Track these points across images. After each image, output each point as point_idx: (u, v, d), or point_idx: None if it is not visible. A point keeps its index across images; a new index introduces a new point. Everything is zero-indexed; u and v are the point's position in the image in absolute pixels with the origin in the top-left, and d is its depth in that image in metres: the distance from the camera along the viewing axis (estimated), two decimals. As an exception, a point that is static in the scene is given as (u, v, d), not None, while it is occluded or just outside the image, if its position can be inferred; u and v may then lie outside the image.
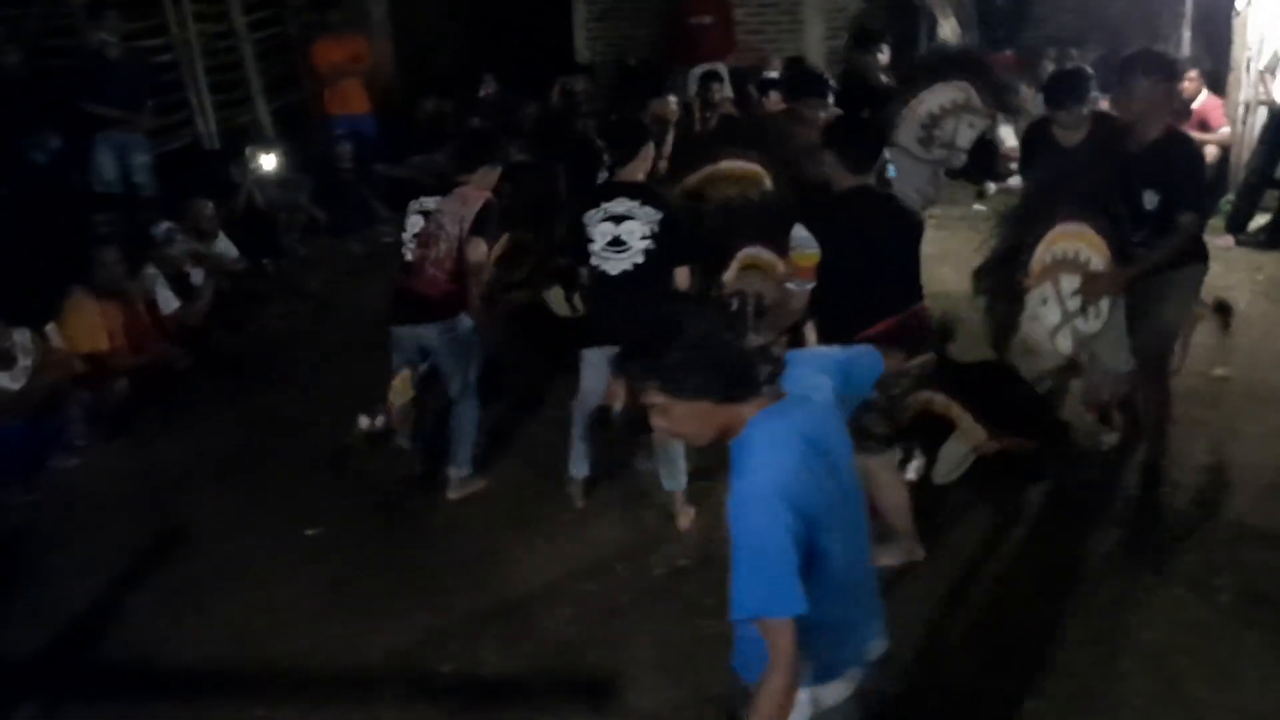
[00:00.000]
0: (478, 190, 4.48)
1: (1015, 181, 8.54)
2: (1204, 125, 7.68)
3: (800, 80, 5.79)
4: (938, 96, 5.08)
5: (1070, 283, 4.19)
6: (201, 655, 3.86)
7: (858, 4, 10.54)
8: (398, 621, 3.96)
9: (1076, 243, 4.14)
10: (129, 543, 4.55)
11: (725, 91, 9.56)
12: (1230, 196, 7.33)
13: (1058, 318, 4.24)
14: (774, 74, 9.96)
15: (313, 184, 8.22)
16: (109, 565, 4.38)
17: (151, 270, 6.21)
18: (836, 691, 2.19)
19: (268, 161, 8.03)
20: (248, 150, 8.06)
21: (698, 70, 9.33)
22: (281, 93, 9.56)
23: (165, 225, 6.58)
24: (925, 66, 5.52)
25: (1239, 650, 3.56)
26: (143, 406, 5.69)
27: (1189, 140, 4.27)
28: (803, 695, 2.05)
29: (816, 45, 10.48)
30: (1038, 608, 3.81)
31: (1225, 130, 7.65)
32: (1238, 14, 7.52)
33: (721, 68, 9.72)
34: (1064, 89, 4.61)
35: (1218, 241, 7.14)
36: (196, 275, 6.51)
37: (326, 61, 8.85)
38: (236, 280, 6.91)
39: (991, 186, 8.61)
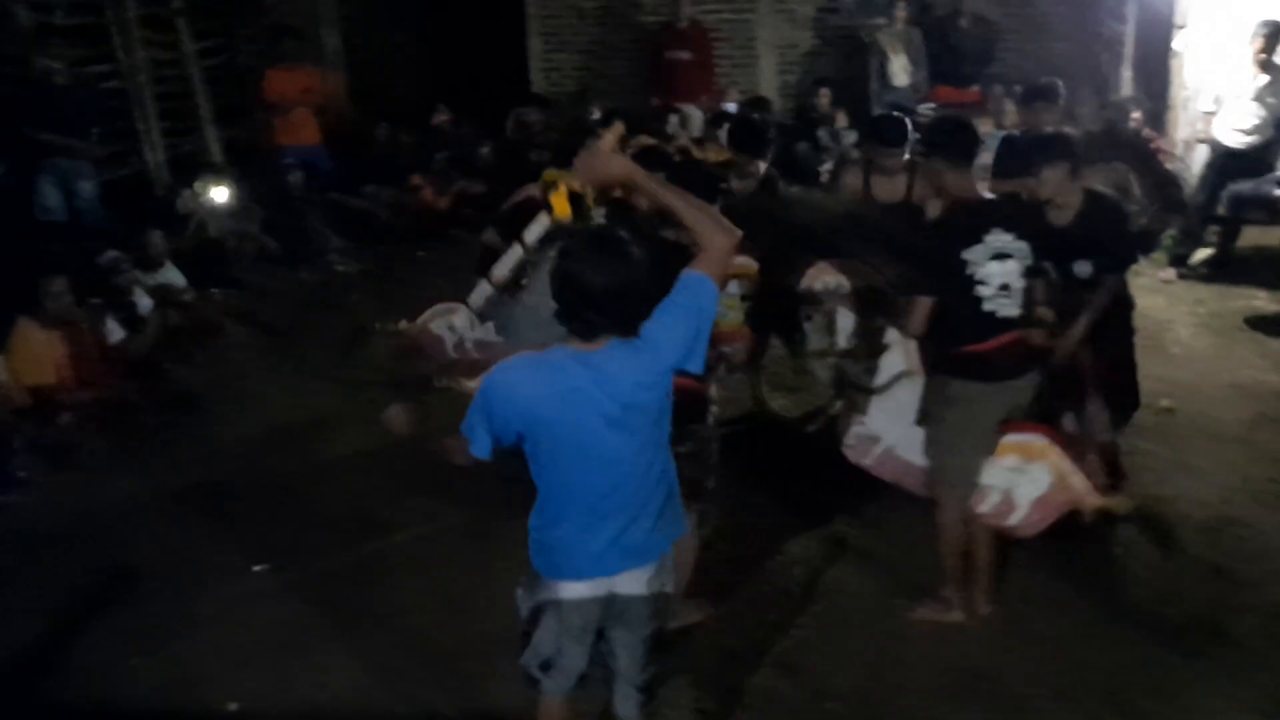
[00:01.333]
0: None
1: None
2: (1146, 163, 7.88)
3: (741, 133, 5.61)
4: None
5: (846, 319, 4.31)
6: (149, 697, 3.76)
7: (810, 41, 10.69)
8: (351, 661, 3.89)
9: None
10: (73, 580, 4.43)
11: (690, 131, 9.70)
12: (1173, 231, 7.50)
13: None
14: (732, 106, 10.12)
15: (263, 213, 8.13)
16: (52, 603, 4.26)
17: (98, 301, 6.09)
18: (575, 590, 2.70)
19: (219, 194, 7.91)
20: (198, 182, 7.95)
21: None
22: (232, 122, 9.46)
23: (111, 254, 6.47)
24: (1095, 145, 5.47)
25: (1191, 682, 3.61)
26: (90, 440, 5.57)
27: (1110, 203, 4.34)
28: (543, 582, 2.73)
29: (770, 80, 10.62)
30: (992, 642, 3.84)
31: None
32: (1175, 54, 7.74)
33: (692, 110, 9.84)
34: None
35: (1161, 275, 7.34)
36: (144, 305, 6.40)
37: (278, 93, 8.77)
38: (186, 310, 6.80)
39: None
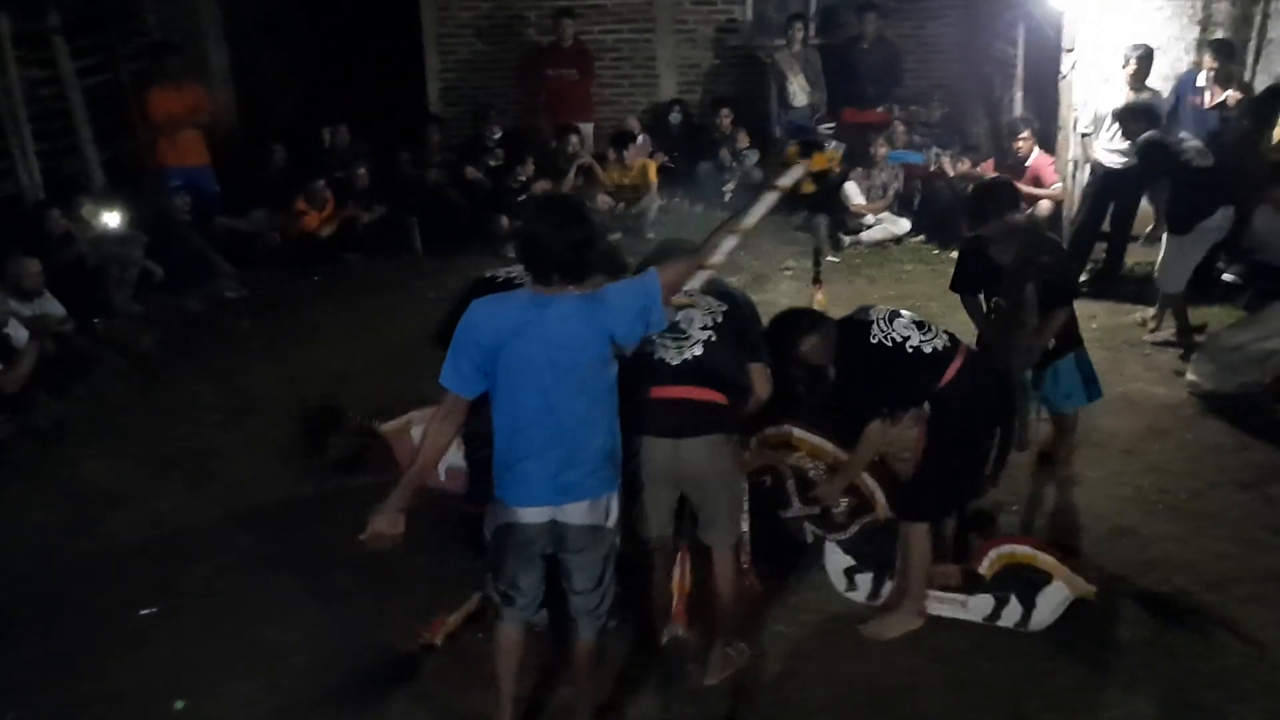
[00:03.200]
0: None
1: (866, 235, 8.82)
2: (1037, 181, 8.06)
3: None
4: None
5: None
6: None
7: (710, 61, 10.75)
8: (233, 703, 3.72)
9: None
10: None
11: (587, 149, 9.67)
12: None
13: None
14: (635, 126, 10.12)
15: (146, 238, 7.78)
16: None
17: (-37, 333, 5.76)
18: (525, 515, 3.13)
19: (111, 219, 7.55)
20: (85, 207, 7.59)
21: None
22: (113, 142, 9.06)
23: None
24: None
25: (1087, 692, 3.66)
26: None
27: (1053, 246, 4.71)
28: (502, 508, 3.19)
29: (670, 99, 10.63)
30: (893, 658, 3.85)
31: (1058, 186, 8.03)
32: (1064, 77, 7.95)
33: (587, 128, 9.80)
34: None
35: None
36: (19, 337, 6.06)
37: (163, 111, 8.45)
38: (63, 341, 6.45)
39: (845, 239, 8.82)
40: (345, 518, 4.67)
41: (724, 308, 3.72)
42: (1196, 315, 6.62)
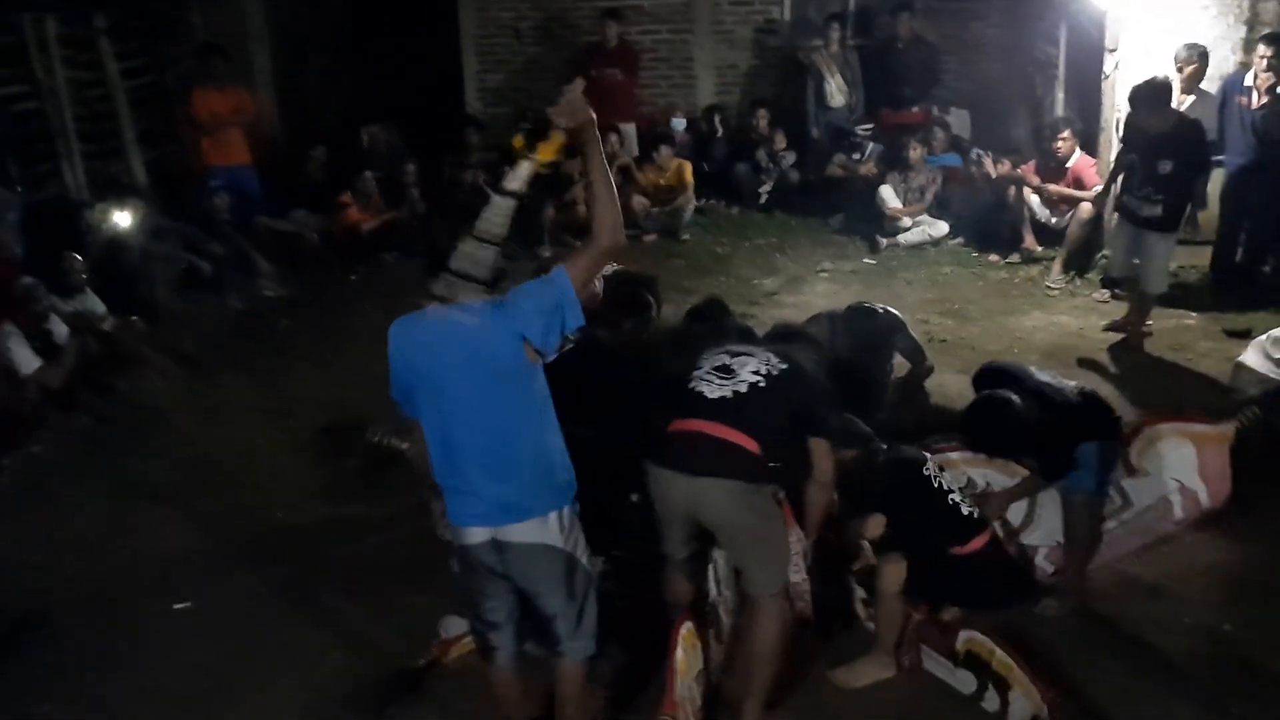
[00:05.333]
0: None
1: (904, 238, 8.75)
2: (1079, 183, 7.95)
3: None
4: None
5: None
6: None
7: (749, 62, 10.72)
8: (270, 702, 3.75)
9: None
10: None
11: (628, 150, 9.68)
12: (1106, 252, 7.56)
13: None
14: (680, 123, 10.10)
15: (188, 236, 7.87)
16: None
17: (9, 328, 5.84)
18: (469, 535, 3.03)
19: (122, 218, 7.62)
20: (99, 206, 7.64)
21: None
22: (157, 143, 9.20)
23: (27, 281, 6.22)
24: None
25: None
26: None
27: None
28: (453, 529, 3.09)
29: (708, 100, 10.62)
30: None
31: (1099, 187, 7.92)
32: (1106, 77, 7.83)
33: (629, 129, 9.80)
34: None
35: (1095, 296, 7.40)
36: (60, 333, 6.15)
37: (207, 110, 8.56)
38: (104, 339, 6.54)
39: (882, 241, 8.76)
40: (381, 520, 4.76)
41: (784, 366, 3.55)
42: (1240, 320, 6.53)
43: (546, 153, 3.01)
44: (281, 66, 10.52)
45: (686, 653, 3.44)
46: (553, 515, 3.02)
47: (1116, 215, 6.81)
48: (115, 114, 8.79)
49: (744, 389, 3.44)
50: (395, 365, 3.03)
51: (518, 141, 3.06)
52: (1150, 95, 6.15)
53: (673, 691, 3.31)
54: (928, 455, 3.96)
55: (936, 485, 3.84)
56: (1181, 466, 4.39)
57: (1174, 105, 6.46)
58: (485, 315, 2.90)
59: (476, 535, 3.03)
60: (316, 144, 9.40)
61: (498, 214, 2.96)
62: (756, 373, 3.49)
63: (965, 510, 3.84)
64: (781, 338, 4.36)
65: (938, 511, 3.80)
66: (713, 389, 3.46)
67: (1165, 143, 6.11)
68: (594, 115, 2.98)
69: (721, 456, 3.33)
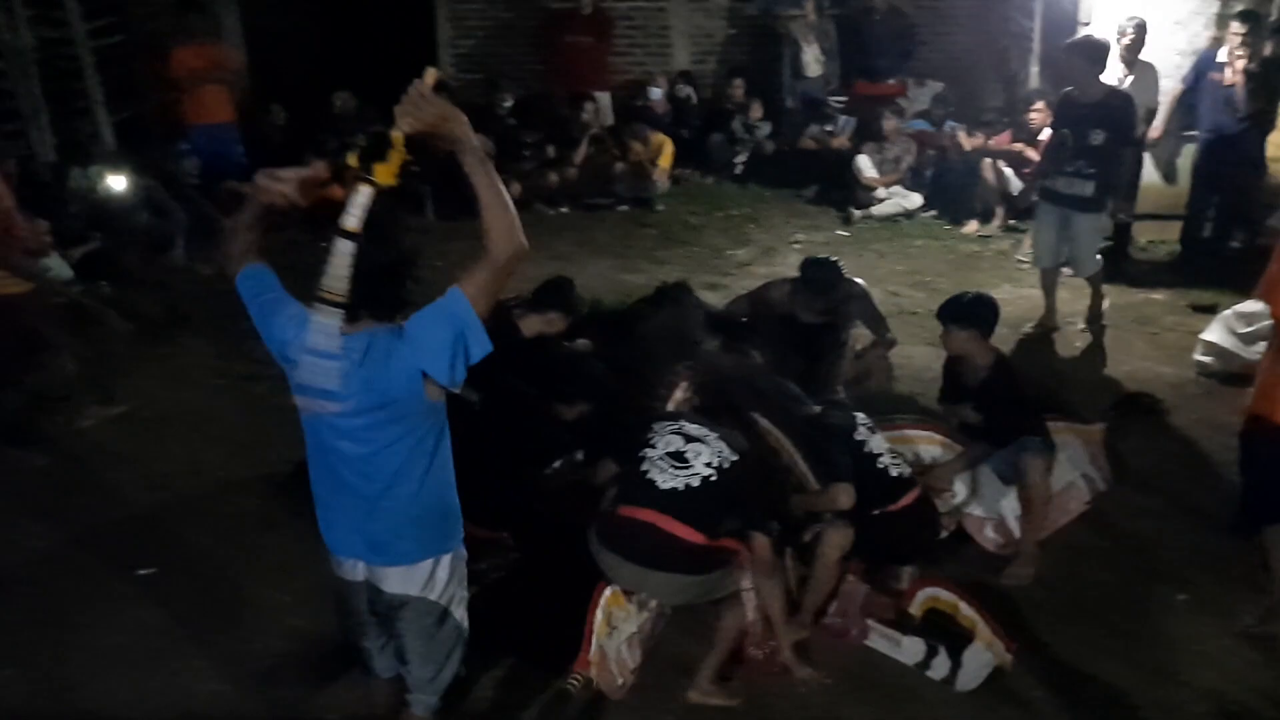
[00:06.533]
0: None
1: (877, 209, 8.76)
2: (1051, 156, 7.97)
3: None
4: None
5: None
6: (17, 706, 3.58)
7: (724, 30, 10.66)
8: (230, 665, 3.74)
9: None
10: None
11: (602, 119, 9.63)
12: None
13: None
14: (657, 93, 10.04)
15: (157, 200, 7.78)
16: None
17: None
18: (343, 569, 2.80)
19: (116, 182, 7.53)
20: (92, 170, 7.58)
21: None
22: (124, 104, 9.07)
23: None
24: None
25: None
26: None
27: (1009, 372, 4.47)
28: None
29: (683, 69, 10.56)
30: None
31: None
32: (1080, 50, 7.85)
33: (603, 97, 9.75)
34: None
35: (1066, 271, 7.42)
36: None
37: (185, 68, 8.43)
38: (70, 305, 6.45)
39: (856, 213, 8.76)
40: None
41: (735, 458, 3.58)
42: (1206, 295, 6.57)
43: (385, 175, 2.47)
44: (250, 25, 10.37)
45: (609, 614, 3.55)
46: (427, 563, 2.74)
47: (1037, 203, 6.53)
48: (82, 73, 8.66)
49: (696, 483, 3.48)
50: (268, 313, 2.72)
51: (352, 160, 2.50)
52: (1088, 49, 6.06)
53: (587, 650, 3.43)
54: (857, 419, 4.02)
55: (866, 451, 3.93)
56: (1078, 459, 4.68)
57: (1108, 71, 6.34)
58: (380, 345, 2.54)
59: (351, 573, 2.80)
60: (273, 104, 9.28)
61: (340, 265, 2.47)
62: (709, 464, 3.52)
63: (894, 473, 3.95)
64: (733, 334, 4.62)
65: (865, 474, 3.87)
66: (665, 478, 3.49)
67: (1096, 114, 5.92)
68: (453, 113, 2.46)
69: (671, 551, 3.41)
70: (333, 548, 2.81)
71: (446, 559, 2.77)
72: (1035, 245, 6.62)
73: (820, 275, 5.17)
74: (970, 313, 4.36)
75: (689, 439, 3.60)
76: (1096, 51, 6.06)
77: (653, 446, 3.61)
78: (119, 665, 3.76)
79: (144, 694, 3.63)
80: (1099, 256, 6.30)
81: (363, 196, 2.47)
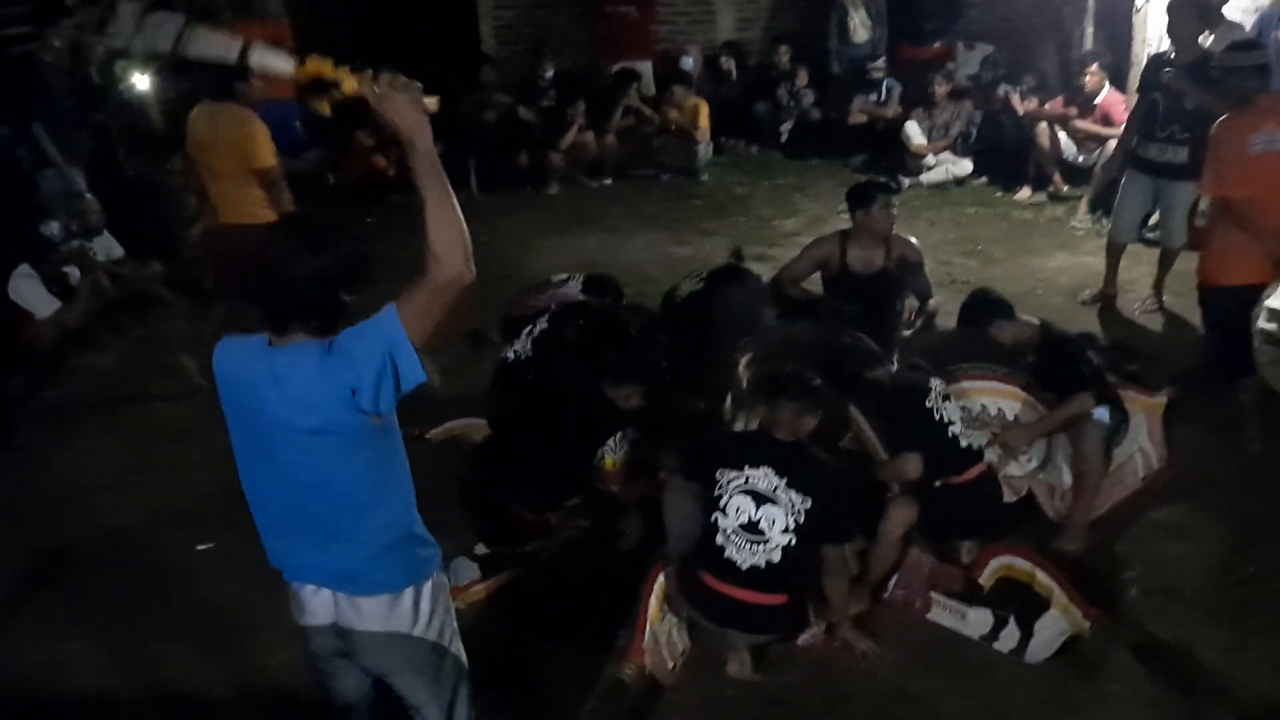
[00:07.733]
0: None
1: (926, 177, 8.63)
2: (1107, 119, 7.79)
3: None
4: None
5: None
6: (90, 682, 3.64)
7: (769, -4, 10.53)
8: (287, 638, 3.76)
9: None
10: (8, 562, 4.26)
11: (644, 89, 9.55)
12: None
13: None
14: (689, 62, 9.93)
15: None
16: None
17: (24, 269, 5.85)
18: (307, 614, 2.50)
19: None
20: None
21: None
22: (174, 82, 9.08)
23: (53, 225, 6.23)
24: None
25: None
26: (25, 419, 5.41)
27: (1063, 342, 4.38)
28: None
29: (727, 36, 10.44)
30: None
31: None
32: (1138, 10, 7.67)
33: (644, 67, 9.66)
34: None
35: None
36: (75, 274, 6.15)
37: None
38: (119, 280, 6.50)
39: (905, 181, 8.64)
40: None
41: (807, 504, 3.39)
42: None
43: (314, 69, 2.38)
44: (293, 1, 10.37)
45: (662, 601, 3.54)
46: (407, 593, 2.45)
47: (1126, 175, 6.25)
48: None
49: (777, 558, 3.38)
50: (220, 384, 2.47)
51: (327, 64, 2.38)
52: (1199, 5, 5.74)
53: (641, 638, 3.43)
54: (932, 383, 3.94)
55: (938, 418, 3.85)
56: (1139, 431, 4.53)
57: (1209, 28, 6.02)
58: (312, 358, 2.28)
59: (316, 617, 2.49)
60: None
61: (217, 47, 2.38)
62: (785, 529, 3.38)
63: (964, 443, 3.87)
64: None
65: (936, 443, 3.81)
66: (744, 556, 3.39)
67: (1192, 76, 5.58)
68: (420, 117, 2.34)
69: (760, 617, 3.46)
70: (297, 577, 2.51)
71: (427, 587, 2.50)
72: (1118, 217, 6.36)
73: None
74: (984, 310, 4.35)
75: (759, 499, 3.41)
76: (1208, 9, 5.81)
77: (724, 513, 3.44)
78: (185, 640, 3.81)
79: (215, 666, 3.68)
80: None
81: (280, 58, 2.42)
